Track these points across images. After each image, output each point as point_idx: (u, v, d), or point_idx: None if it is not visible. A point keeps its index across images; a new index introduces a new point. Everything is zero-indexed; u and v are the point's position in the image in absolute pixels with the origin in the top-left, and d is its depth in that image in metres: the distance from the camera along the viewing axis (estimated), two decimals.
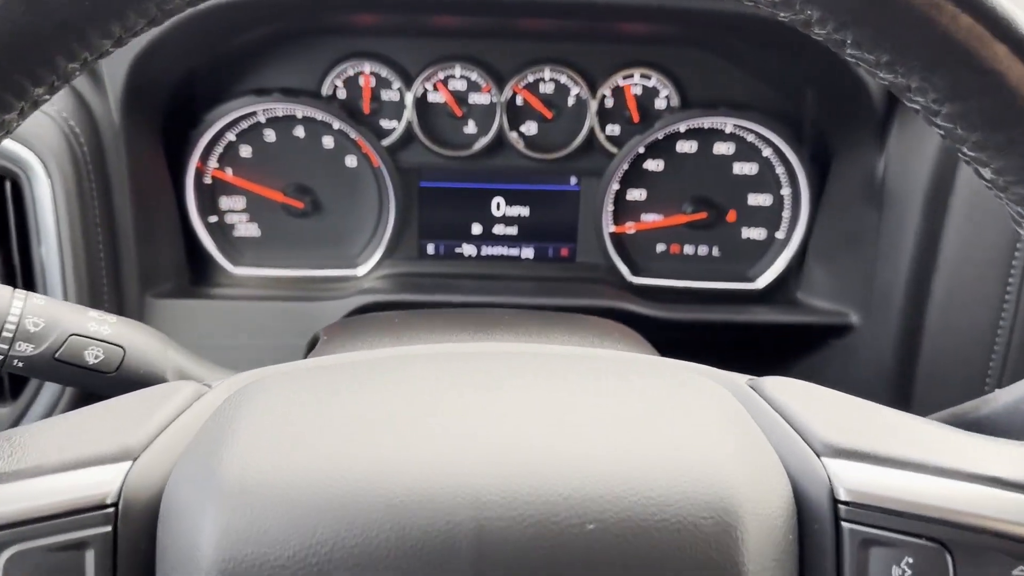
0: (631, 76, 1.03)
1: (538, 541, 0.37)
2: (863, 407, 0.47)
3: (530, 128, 1.05)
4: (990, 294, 0.88)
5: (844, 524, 0.40)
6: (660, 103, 1.03)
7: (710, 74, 1.02)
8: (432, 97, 1.04)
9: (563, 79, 1.03)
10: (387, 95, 1.04)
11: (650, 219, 1.09)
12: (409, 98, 1.02)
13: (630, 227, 1.09)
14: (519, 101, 1.04)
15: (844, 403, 0.48)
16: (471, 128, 1.05)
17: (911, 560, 0.40)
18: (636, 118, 1.03)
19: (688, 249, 1.10)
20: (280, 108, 1.04)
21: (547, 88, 1.03)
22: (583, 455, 0.40)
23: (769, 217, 1.07)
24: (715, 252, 1.09)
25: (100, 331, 0.58)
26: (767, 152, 1.05)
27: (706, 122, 1.03)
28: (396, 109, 1.04)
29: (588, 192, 1.08)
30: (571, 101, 1.04)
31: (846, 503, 0.40)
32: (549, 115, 1.04)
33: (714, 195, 1.07)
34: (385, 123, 1.04)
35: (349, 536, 0.36)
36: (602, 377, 0.49)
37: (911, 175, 0.89)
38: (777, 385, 0.48)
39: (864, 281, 0.96)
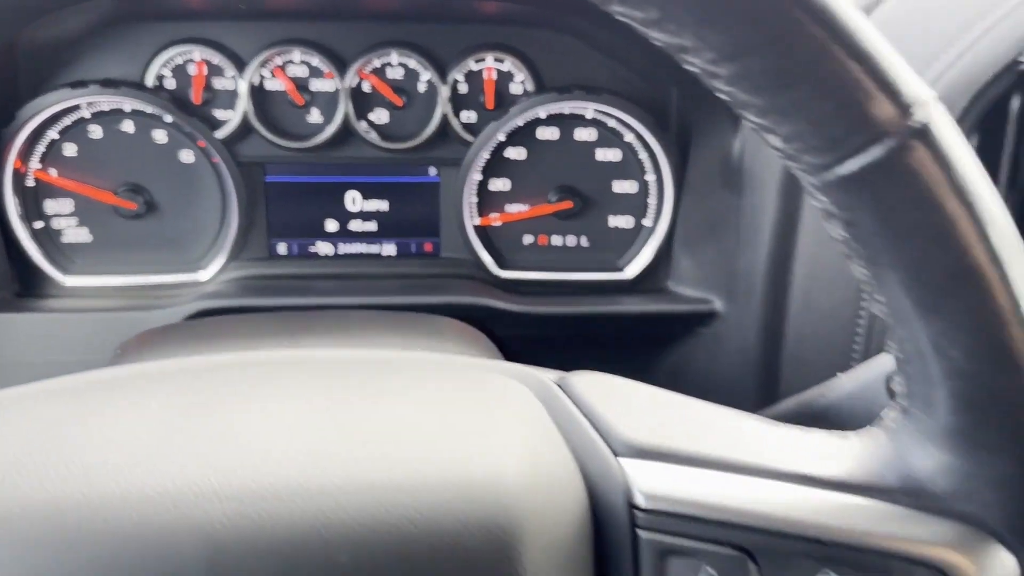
0: (483, 60, 0.97)
1: (274, 560, 0.33)
2: (675, 402, 0.44)
3: (380, 116, 0.98)
4: (850, 275, 0.86)
5: (641, 533, 0.37)
6: (516, 88, 0.99)
7: (565, 57, 0.98)
8: (270, 85, 0.96)
9: (412, 63, 0.97)
10: (220, 84, 0.96)
11: (515, 210, 1.04)
12: (243, 86, 0.95)
13: (495, 219, 1.04)
14: (366, 88, 0.97)
15: (654, 399, 0.44)
16: (315, 117, 0.98)
17: (711, 570, 0.37)
18: (490, 104, 0.98)
19: (556, 240, 1.05)
20: (105, 102, 0.95)
21: (396, 73, 0.97)
22: (340, 475, 0.36)
23: (635, 205, 1.04)
24: (583, 242, 1.05)
25: None
26: (629, 137, 1.01)
27: (566, 107, 0.99)
28: (231, 98, 0.96)
29: (448, 183, 1.02)
30: (422, 87, 0.98)
31: (643, 510, 0.37)
32: (399, 102, 0.98)
33: (579, 183, 1.03)
34: (219, 113, 0.97)
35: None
36: (390, 382, 0.44)
37: (767, 156, 0.87)
38: (585, 382, 0.44)
39: (727, 267, 0.93)
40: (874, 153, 0.33)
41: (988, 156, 0.82)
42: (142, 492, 0.34)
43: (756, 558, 0.36)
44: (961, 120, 0.80)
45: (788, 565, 0.36)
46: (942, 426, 0.37)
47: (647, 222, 1.04)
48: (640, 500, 0.37)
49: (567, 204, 1.02)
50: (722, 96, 0.35)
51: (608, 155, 1.02)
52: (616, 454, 0.39)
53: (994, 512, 0.37)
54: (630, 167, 1.03)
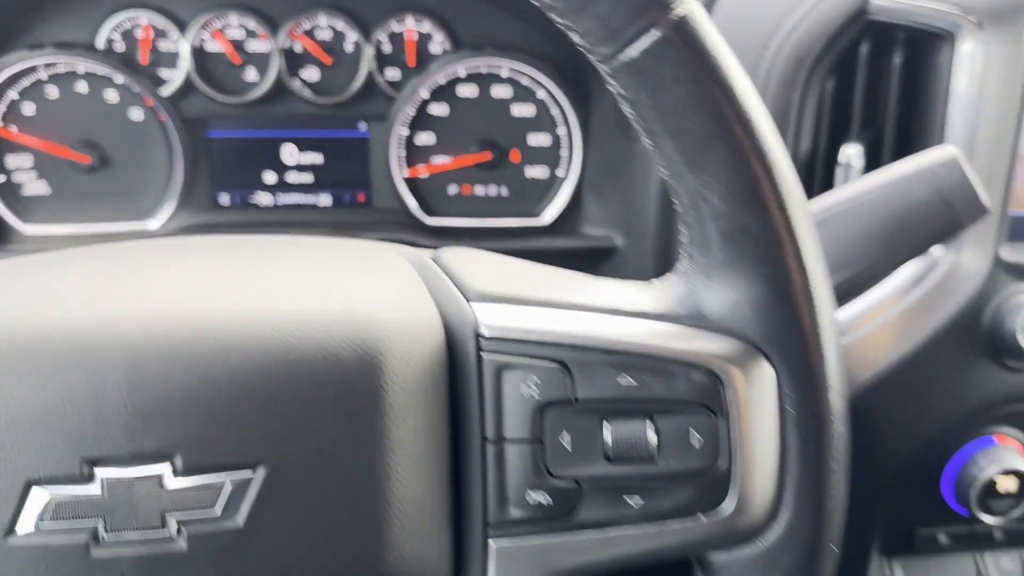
0: (404, 21, 1.07)
1: (184, 374, 0.42)
2: (524, 265, 0.53)
3: (311, 75, 1.08)
4: None
5: (484, 355, 0.47)
6: (435, 48, 1.08)
7: (480, 19, 1.08)
8: (210, 47, 1.06)
9: (339, 25, 1.07)
10: (165, 46, 1.05)
11: (440, 162, 1.14)
12: (185, 47, 1.04)
13: (422, 170, 1.14)
14: (298, 48, 1.07)
15: (506, 262, 0.54)
16: (252, 76, 1.07)
17: (536, 379, 0.47)
18: (411, 63, 1.08)
19: (479, 190, 1.15)
20: (61, 64, 1.04)
21: (324, 35, 1.07)
22: (238, 304, 0.45)
23: (549, 156, 1.14)
24: (504, 192, 1.15)
25: None
26: (541, 94, 1.11)
27: (483, 66, 1.09)
28: (174, 60, 1.06)
29: (377, 137, 1.12)
30: (349, 47, 1.08)
31: (487, 338, 0.47)
32: (328, 61, 1.07)
33: (497, 137, 1.13)
34: (164, 73, 1.06)
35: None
36: (286, 249, 0.54)
37: None
38: (453, 252, 0.54)
39: (626, 207, 1.03)
40: (645, 41, 0.42)
41: (843, 98, 0.93)
42: (73, 316, 0.42)
43: (570, 368, 0.46)
44: (817, 64, 0.90)
45: (594, 373, 0.46)
46: (713, 262, 0.47)
47: (560, 172, 1.14)
48: (484, 331, 0.47)
49: (486, 155, 1.12)
50: (537, 4, 0.45)
51: (523, 111, 1.12)
52: (468, 300, 0.48)
53: (755, 329, 0.47)
54: (543, 122, 1.12)
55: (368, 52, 1.07)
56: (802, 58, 0.89)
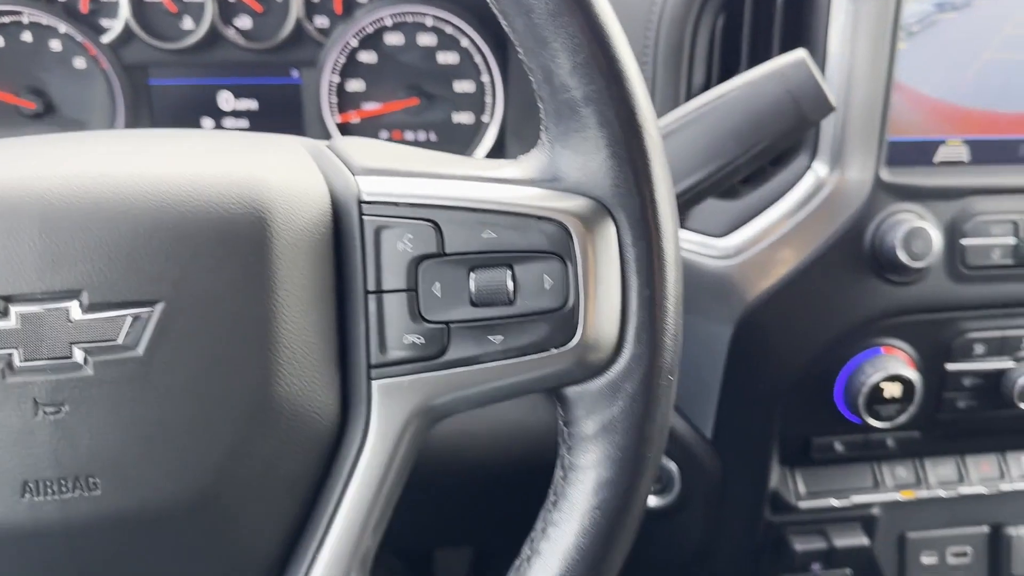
0: None
1: (91, 223, 0.49)
2: (406, 148, 0.60)
3: (244, 23, 1.14)
4: None
5: (365, 218, 0.54)
6: None
7: None
8: None
9: None
10: None
11: (371, 108, 1.20)
12: None
13: (354, 116, 1.20)
14: None
15: (391, 146, 0.61)
16: (188, 24, 1.14)
17: (410, 236, 0.53)
18: (339, 10, 1.15)
19: (408, 135, 1.22)
20: (6, 15, 1.10)
21: None
22: (139, 169, 0.52)
23: (475, 103, 1.21)
24: (432, 137, 1.22)
25: None
26: (465, 43, 1.18)
27: (408, 14, 1.15)
28: (115, 9, 1.12)
29: (308, 84, 1.18)
30: None
31: (368, 202, 0.54)
32: (259, 9, 1.14)
33: (424, 83, 1.19)
34: (105, 22, 1.12)
35: None
36: (191, 134, 0.60)
37: None
38: (345, 139, 0.61)
39: None
40: None
41: (732, 34, 1.01)
42: None
43: (440, 226, 0.53)
44: (707, 2, 0.98)
45: (461, 229, 0.53)
46: (564, 130, 0.53)
47: (485, 118, 1.21)
48: (366, 197, 0.53)
49: (413, 101, 1.19)
50: None
51: (448, 58, 1.19)
52: (354, 173, 0.55)
53: (599, 187, 0.54)
54: (467, 69, 1.19)
55: (297, 0, 1.13)
56: None
